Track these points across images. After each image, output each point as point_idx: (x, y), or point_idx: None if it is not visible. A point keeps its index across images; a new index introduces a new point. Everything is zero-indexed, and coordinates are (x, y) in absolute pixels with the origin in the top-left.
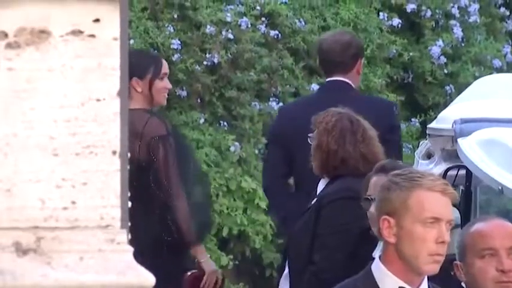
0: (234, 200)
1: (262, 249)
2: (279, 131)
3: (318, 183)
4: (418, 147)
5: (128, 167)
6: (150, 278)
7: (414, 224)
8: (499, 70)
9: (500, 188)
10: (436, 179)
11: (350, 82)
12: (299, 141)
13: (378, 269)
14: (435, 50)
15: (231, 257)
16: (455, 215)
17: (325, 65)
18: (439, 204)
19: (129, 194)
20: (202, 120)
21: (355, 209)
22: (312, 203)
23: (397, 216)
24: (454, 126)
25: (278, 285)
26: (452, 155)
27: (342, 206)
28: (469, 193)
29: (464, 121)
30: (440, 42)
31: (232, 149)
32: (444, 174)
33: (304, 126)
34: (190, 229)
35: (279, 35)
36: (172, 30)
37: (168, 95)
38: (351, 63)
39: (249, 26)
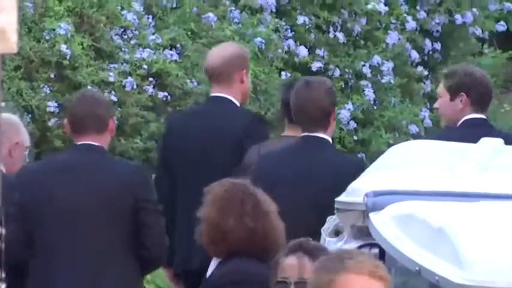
0: None
1: None
2: None
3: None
4: (325, 223)
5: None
6: None
7: None
8: (416, 136)
9: (417, 269)
10: (365, 260)
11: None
12: None
13: None
14: (344, 114)
15: None
16: None
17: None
18: None
19: None
20: None
21: None
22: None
23: None
24: (365, 199)
25: None
26: (364, 232)
27: None
28: None
29: (377, 194)
30: (350, 106)
31: None
32: None
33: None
34: None
35: (169, 96)
36: (48, 91)
37: None
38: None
39: (135, 86)
